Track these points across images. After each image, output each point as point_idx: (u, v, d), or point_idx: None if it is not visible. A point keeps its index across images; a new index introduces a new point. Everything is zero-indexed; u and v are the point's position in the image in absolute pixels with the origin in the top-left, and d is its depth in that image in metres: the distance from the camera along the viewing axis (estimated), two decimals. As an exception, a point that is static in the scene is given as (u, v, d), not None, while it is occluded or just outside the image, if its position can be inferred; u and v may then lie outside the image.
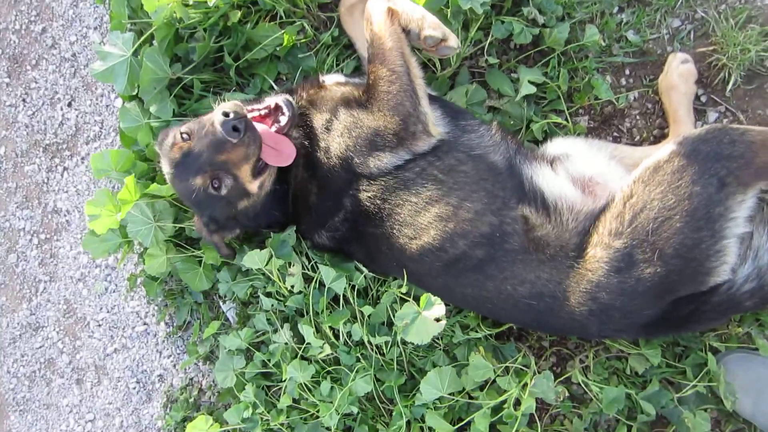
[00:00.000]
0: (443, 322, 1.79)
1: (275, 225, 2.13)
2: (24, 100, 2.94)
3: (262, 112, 1.89)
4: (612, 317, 1.71)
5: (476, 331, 2.07)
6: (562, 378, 2.00)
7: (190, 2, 2.16)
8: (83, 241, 2.26)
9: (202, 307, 2.44)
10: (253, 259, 2.00)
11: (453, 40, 1.83)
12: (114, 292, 2.69)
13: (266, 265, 2.02)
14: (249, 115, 1.80)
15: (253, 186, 1.91)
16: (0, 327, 2.89)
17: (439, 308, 1.79)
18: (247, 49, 2.30)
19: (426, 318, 1.80)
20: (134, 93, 2.25)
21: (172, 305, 2.50)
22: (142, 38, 2.15)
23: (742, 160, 1.60)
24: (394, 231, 1.84)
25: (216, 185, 1.83)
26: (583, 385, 1.95)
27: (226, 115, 1.68)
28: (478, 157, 1.85)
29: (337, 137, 1.85)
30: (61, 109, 2.86)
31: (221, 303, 2.41)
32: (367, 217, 1.88)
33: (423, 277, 1.91)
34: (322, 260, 2.12)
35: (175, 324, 2.53)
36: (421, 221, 1.80)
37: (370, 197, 1.85)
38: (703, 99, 2.06)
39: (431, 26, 1.80)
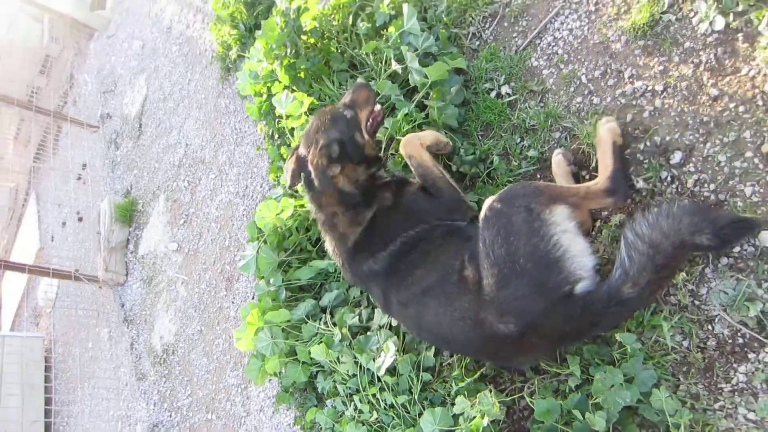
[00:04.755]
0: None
1: (355, 205, 3.00)
2: (233, 302, 4.75)
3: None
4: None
5: (462, 381, 2.80)
6: (513, 398, 2.61)
7: (285, 217, 3.74)
8: (245, 369, 3.66)
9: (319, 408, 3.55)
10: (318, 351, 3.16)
11: (449, 142, 3.15)
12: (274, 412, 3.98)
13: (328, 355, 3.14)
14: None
15: (364, 136, 3.02)
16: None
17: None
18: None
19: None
20: (262, 275, 3.79)
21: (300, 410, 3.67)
22: (261, 241, 3.74)
23: (534, 194, 2.35)
24: (406, 269, 2.73)
25: (342, 110, 2.98)
26: (530, 403, 2.52)
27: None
28: (462, 229, 2.82)
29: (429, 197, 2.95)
30: (232, 298, 4.58)
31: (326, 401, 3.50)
32: (399, 255, 2.79)
33: (403, 308, 2.72)
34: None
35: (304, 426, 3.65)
36: (422, 261, 2.71)
37: (409, 240, 2.79)
38: (587, 177, 2.78)
39: (438, 138, 3.10)
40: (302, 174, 3.05)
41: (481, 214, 2.47)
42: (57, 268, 6.81)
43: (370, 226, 2.95)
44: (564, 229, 2.29)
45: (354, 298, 3.51)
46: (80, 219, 8.17)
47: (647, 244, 2.15)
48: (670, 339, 2.32)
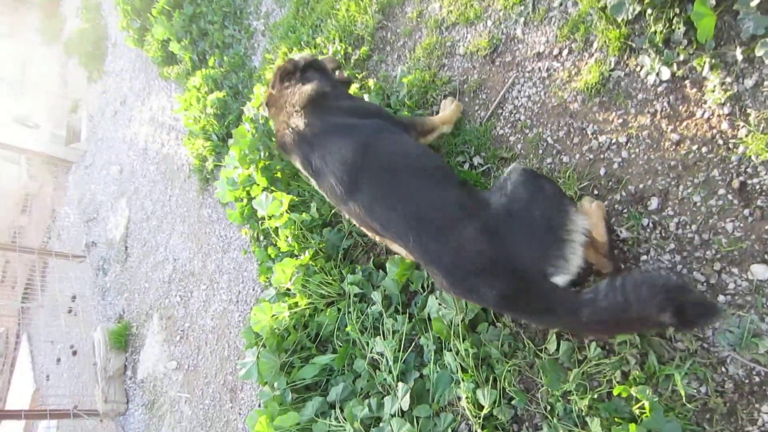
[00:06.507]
0: None
1: None
2: (239, 413, 4.59)
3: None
4: None
5: None
6: None
7: (281, 316, 3.69)
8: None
9: None
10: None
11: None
12: None
13: None
14: None
15: None
16: None
17: None
18: (320, 327, 3.68)
19: None
20: (264, 381, 3.68)
21: None
22: (259, 346, 3.67)
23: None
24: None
25: None
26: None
27: None
28: None
29: None
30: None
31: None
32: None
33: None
34: None
35: None
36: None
37: None
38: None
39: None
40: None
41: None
42: (54, 408, 6.57)
43: None
44: (580, 227, 2.26)
45: (361, 389, 3.41)
46: (74, 353, 7.97)
47: (623, 299, 2.01)
48: (687, 387, 2.27)
